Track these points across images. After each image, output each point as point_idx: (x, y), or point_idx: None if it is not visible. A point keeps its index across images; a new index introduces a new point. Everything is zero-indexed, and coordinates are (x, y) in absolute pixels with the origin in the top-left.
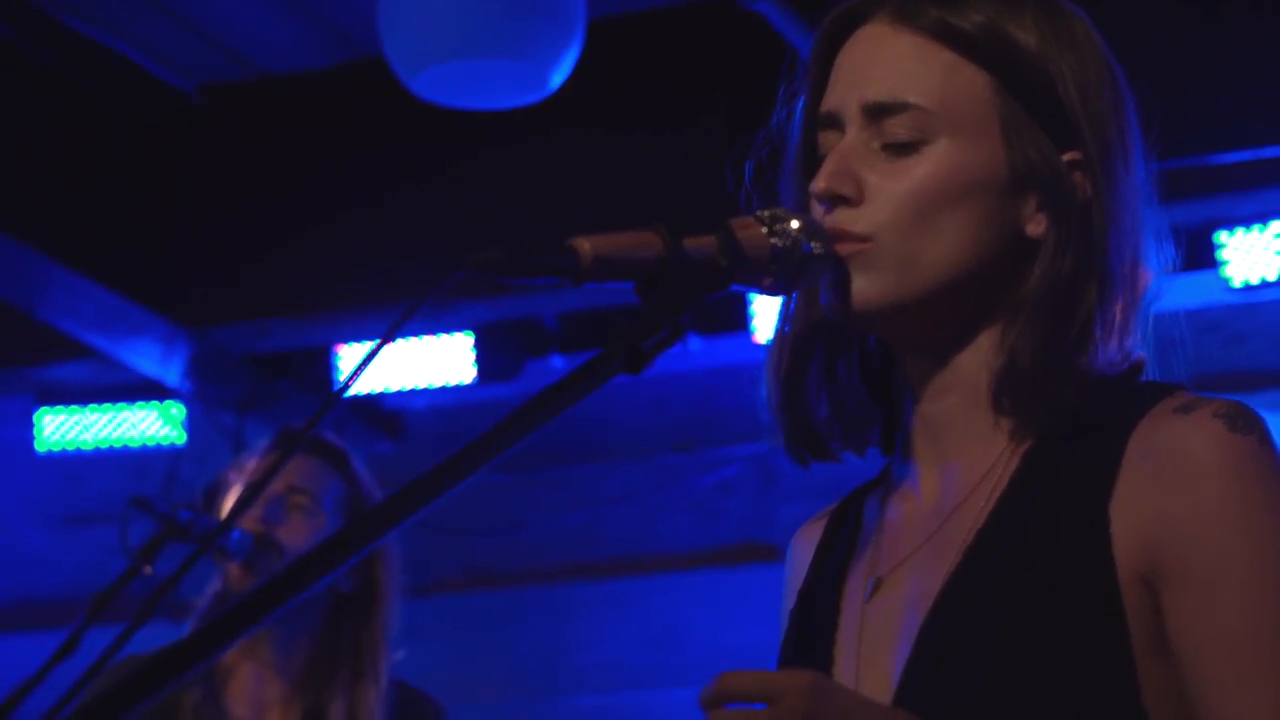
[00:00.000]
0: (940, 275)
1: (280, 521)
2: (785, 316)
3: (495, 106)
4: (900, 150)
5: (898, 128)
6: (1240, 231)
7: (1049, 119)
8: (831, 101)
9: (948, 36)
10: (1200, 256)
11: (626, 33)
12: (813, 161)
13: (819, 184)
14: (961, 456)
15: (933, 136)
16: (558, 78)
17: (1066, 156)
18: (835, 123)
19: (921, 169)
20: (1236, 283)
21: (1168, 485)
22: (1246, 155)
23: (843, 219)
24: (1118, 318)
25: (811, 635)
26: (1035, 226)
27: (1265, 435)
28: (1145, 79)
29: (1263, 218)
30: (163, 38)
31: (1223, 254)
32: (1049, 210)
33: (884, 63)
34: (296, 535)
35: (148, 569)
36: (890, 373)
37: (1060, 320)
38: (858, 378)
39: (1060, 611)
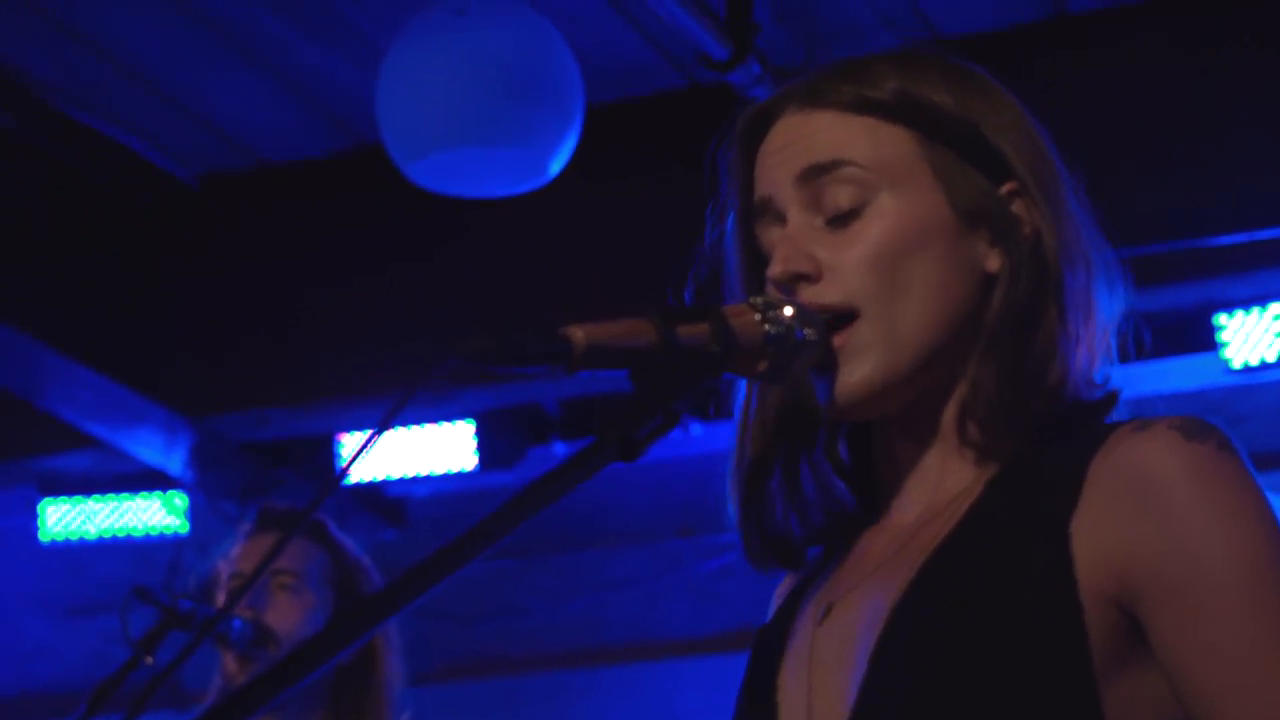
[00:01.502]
0: (923, 333)
1: (266, 605)
2: (744, 422)
3: (494, 194)
4: (845, 219)
5: (838, 195)
6: (1240, 313)
7: (979, 159)
8: (763, 187)
9: (864, 107)
10: (1200, 338)
11: (624, 118)
12: (754, 263)
13: (775, 269)
14: (934, 494)
15: (872, 195)
16: (557, 165)
17: (1004, 189)
18: (771, 209)
19: (872, 229)
20: (1236, 364)
21: (1131, 501)
22: (1244, 238)
23: (808, 295)
24: (1084, 336)
25: (758, 667)
26: (993, 262)
27: (1224, 441)
28: (1144, 163)
29: (1261, 300)
30: (162, 127)
31: (1222, 336)
32: (1001, 243)
33: (808, 135)
34: (285, 616)
35: (149, 659)
36: (864, 440)
37: (1022, 344)
38: (826, 480)
39: (1019, 629)
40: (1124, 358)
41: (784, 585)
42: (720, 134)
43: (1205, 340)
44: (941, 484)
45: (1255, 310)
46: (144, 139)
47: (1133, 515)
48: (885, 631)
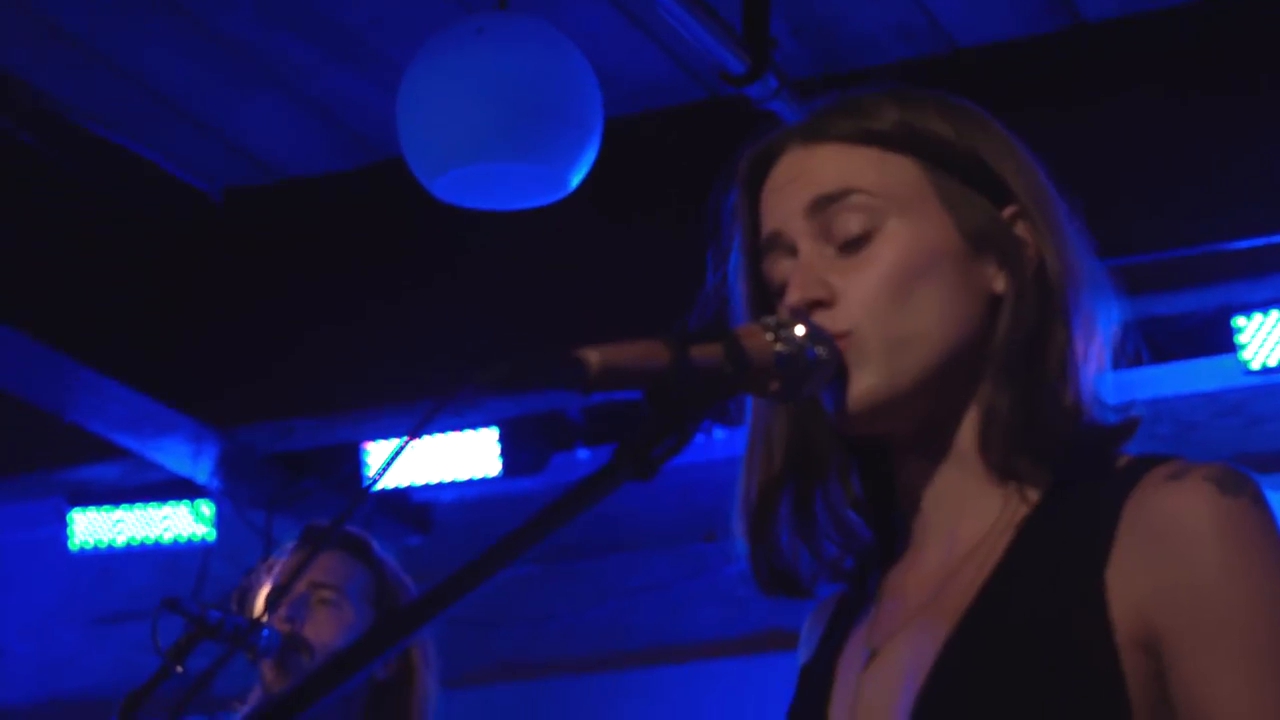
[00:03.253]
0: (929, 350)
1: (305, 618)
2: (752, 450)
3: (514, 208)
4: (855, 245)
5: (848, 222)
6: (1258, 315)
7: (981, 185)
8: (772, 221)
9: (867, 139)
10: (1218, 341)
11: (644, 130)
12: (762, 298)
13: (793, 297)
14: (959, 525)
15: (882, 221)
16: (576, 178)
17: (1006, 212)
18: (781, 242)
19: (884, 252)
20: (1254, 366)
21: (1162, 551)
22: (1262, 241)
23: (822, 321)
24: (1091, 353)
25: (805, 710)
26: (1000, 284)
27: (1257, 495)
28: (1162, 168)
29: (1279, 302)
30: (185, 143)
31: (1240, 338)
32: (1007, 266)
33: (814, 168)
34: (324, 630)
35: (178, 668)
36: (878, 471)
37: (1034, 364)
38: (838, 510)
39: (1059, 677)
40: (1142, 360)
41: (814, 620)
42: (723, 176)
43: (1224, 342)
44: (964, 515)
45: (1274, 312)
46: (167, 154)
47: (1161, 563)
48: (929, 682)
